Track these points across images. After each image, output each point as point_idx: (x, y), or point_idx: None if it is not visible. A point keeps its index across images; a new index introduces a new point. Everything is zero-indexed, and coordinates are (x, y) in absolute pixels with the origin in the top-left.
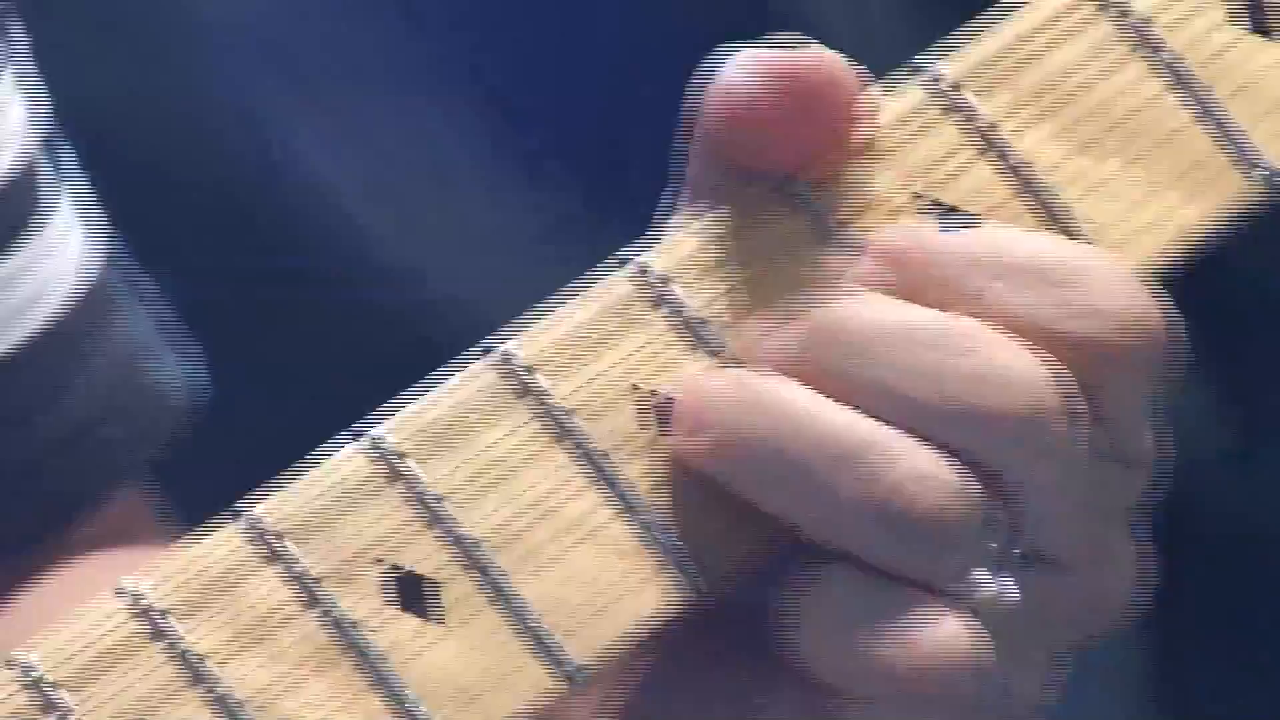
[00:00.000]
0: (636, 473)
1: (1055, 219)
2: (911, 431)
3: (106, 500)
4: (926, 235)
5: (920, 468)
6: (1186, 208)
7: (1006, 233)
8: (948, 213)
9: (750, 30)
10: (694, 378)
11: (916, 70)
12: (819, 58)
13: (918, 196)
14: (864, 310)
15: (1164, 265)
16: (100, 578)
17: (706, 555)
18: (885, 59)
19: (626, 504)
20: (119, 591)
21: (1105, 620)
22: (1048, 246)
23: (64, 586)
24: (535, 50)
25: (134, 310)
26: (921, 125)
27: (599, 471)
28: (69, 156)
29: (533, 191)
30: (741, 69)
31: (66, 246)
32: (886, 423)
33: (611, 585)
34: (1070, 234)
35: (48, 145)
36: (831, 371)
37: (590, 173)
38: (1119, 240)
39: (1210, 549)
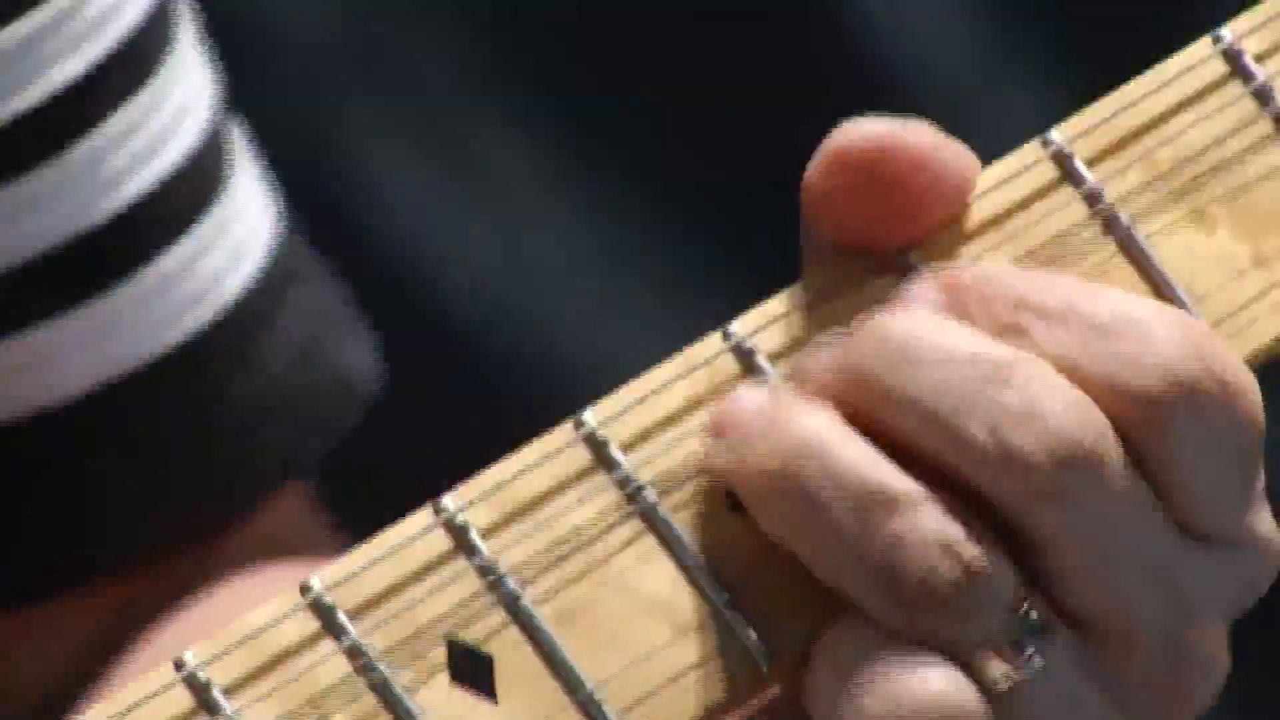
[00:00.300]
0: (713, 552)
1: (1176, 302)
2: (939, 459)
3: (279, 493)
4: (984, 267)
5: (933, 532)
6: None
7: (1071, 280)
8: None
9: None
10: (735, 392)
11: (1047, 144)
12: (887, 133)
13: None
14: (912, 324)
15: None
16: (261, 590)
17: (776, 637)
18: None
19: (701, 584)
20: (177, 665)
21: (1180, 711)
22: (1109, 296)
23: (221, 600)
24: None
25: (315, 286)
26: (1047, 201)
27: (674, 548)
28: (241, 127)
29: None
30: (813, 162)
31: (251, 215)
32: (916, 458)
33: (679, 668)
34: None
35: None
36: (870, 382)
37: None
38: (1239, 325)
39: None
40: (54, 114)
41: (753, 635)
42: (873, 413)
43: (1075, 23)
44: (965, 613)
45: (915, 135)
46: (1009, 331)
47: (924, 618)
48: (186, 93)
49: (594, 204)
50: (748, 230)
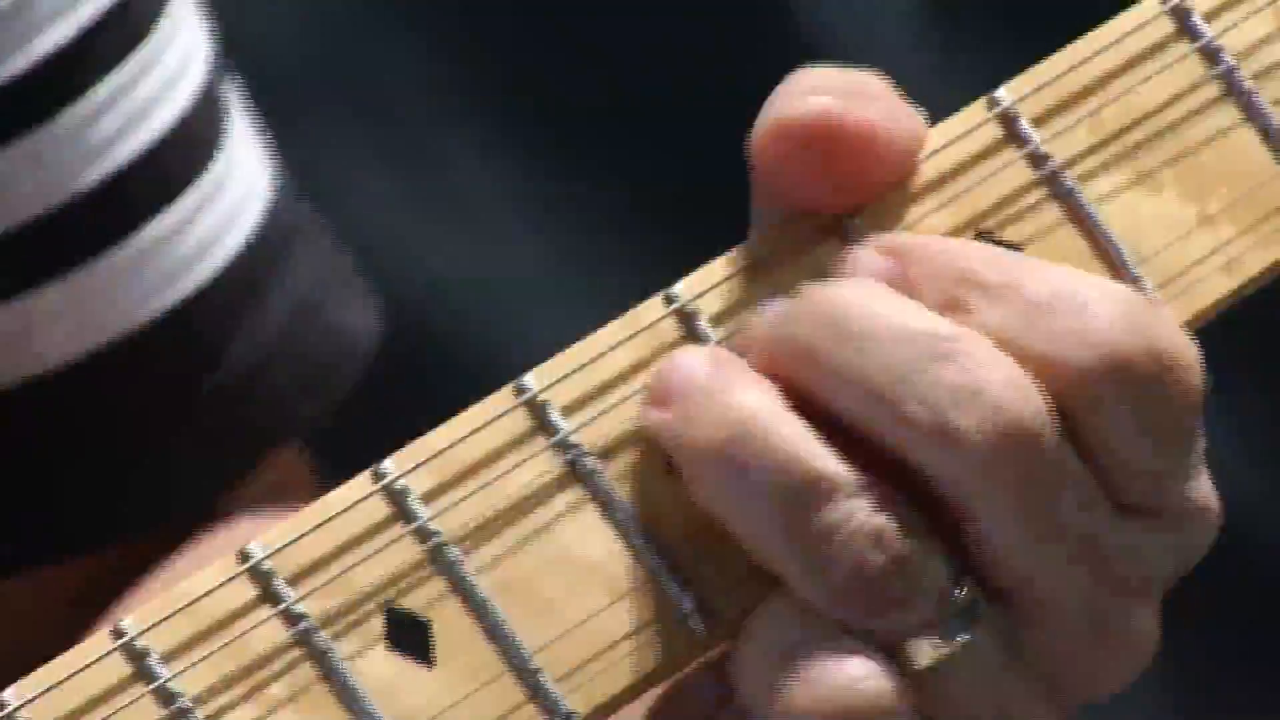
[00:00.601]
0: (651, 517)
1: (1120, 264)
2: (875, 433)
3: (275, 454)
4: (932, 238)
5: (865, 523)
6: (1259, 251)
7: (1016, 256)
8: (990, 243)
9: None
10: (675, 352)
11: (993, 103)
12: (829, 109)
13: (979, 234)
14: (853, 295)
15: (1228, 305)
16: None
17: (713, 600)
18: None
19: (638, 549)
20: (116, 633)
21: (1105, 684)
22: (1051, 273)
23: (215, 552)
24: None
25: (315, 245)
26: (992, 162)
27: (612, 513)
28: (237, 84)
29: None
30: (758, 129)
31: (247, 176)
32: (852, 430)
33: (617, 634)
34: (1133, 280)
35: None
36: (809, 355)
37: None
38: (1185, 284)
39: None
40: (42, 80)
41: (689, 600)
42: (810, 385)
43: (1025, 29)
44: (894, 603)
45: (864, 106)
46: (951, 305)
47: (852, 606)
48: (180, 54)
49: (555, 213)
50: (710, 238)
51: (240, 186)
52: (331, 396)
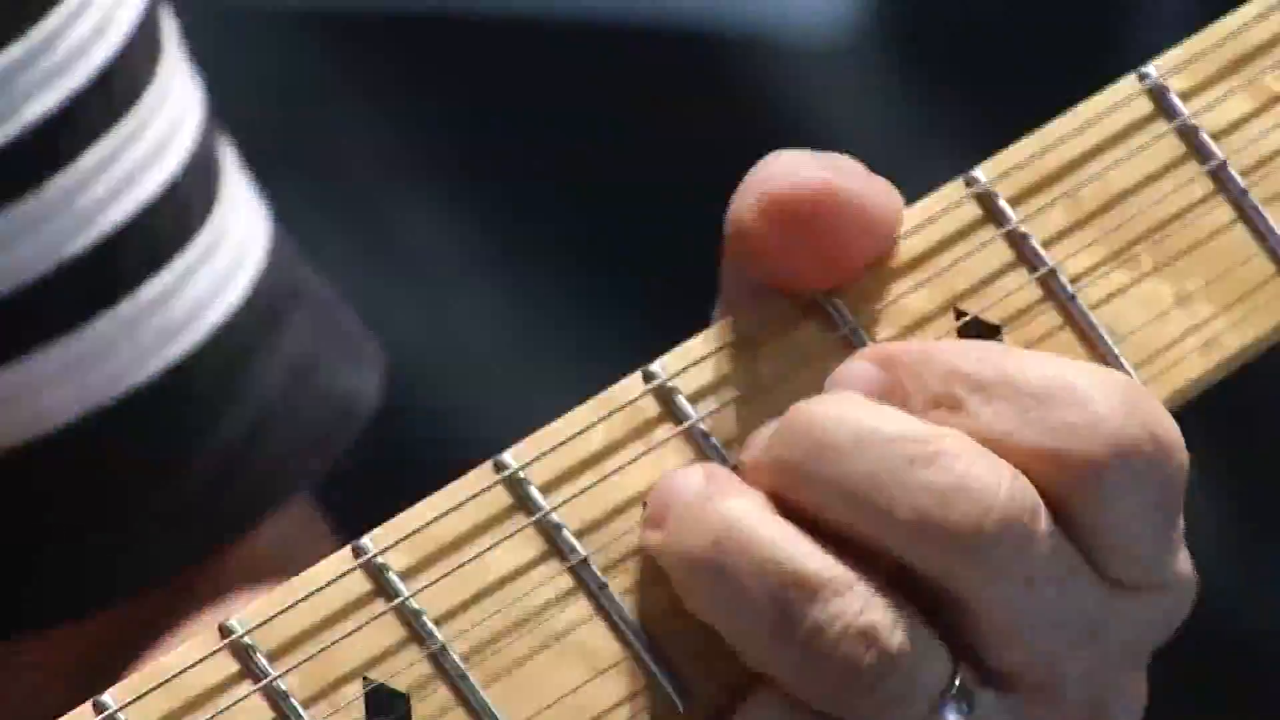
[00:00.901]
0: (629, 589)
1: (1099, 343)
2: (865, 539)
3: (273, 515)
4: (920, 343)
5: (854, 620)
6: (1236, 330)
7: (1003, 348)
8: (970, 324)
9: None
10: (669, 473)
11: (971, 182)
12: (824, 183)
13: (958, 315)
14: (835, 409)
15: (1203, 385)
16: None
17: (693, 679)
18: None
19: (620, 629)
20: (96, 707)
21: None
22: (1038, 363)
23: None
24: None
25: (313, 305)
26: (971, 241)
27: (593, 592)
28: (229, 146)
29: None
30: (744, 203)
31: (240, 238)
32: (846, 538)
33: (596, 711)
34: (1112, 359)
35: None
36: (795, 470)
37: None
38: (1163, 364)
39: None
40: (30, 148)
41: (669, 679)
42: (800, 499)
43: (996, 95)
44: (889, 700)
45: (848, 180)
46: (943, 404)
47: (846, 702)
48: (169, 119)
49: (512, 279)
50: (667, 301)
51: (234, 248)
52: (329, 456)
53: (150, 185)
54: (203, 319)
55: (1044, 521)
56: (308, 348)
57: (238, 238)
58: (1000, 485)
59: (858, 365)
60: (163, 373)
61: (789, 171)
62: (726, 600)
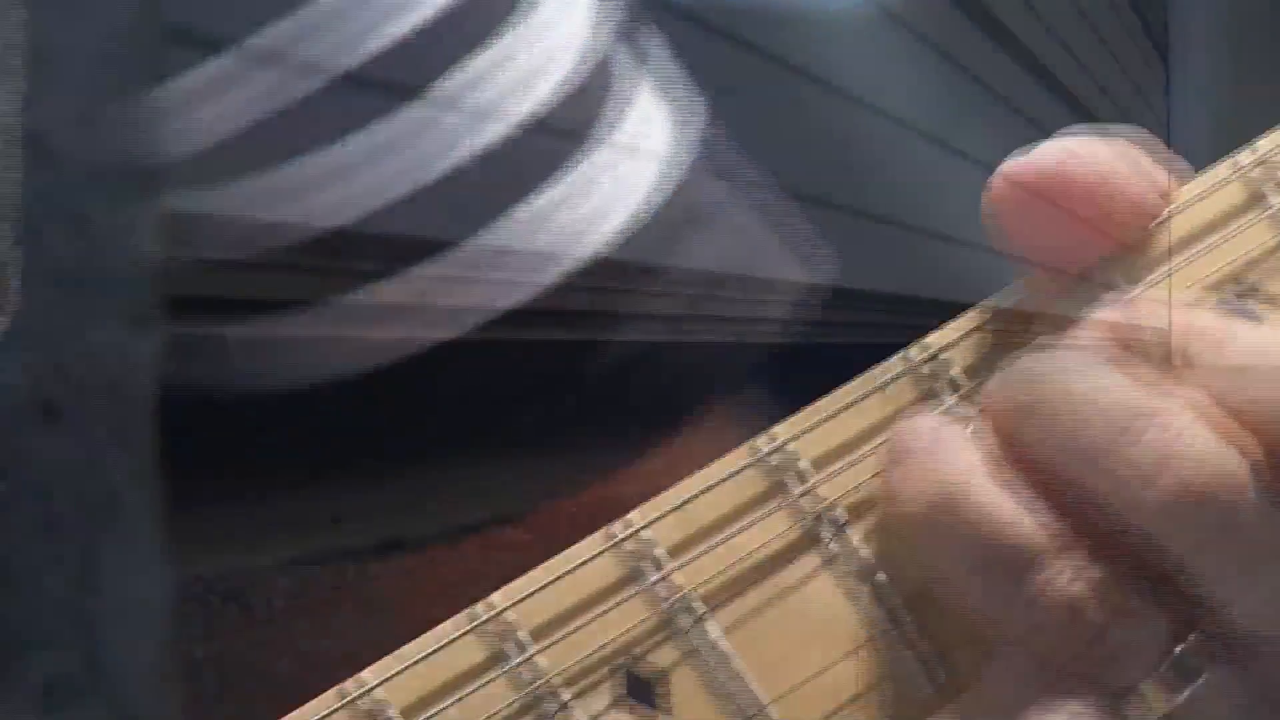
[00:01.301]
0: (887, 575)
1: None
2: (1088, 503)
3: (706, 408)
4: (1153, 304)
5: (1070, 588)
6: None
7: (1245, 324)
8: (1237, 299)
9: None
10: (899, 426)
11: (1256, 152)
12: (1068, 156)
13: (1223, 292)
14: (1055, 368)
15: None
16: None
17: (948, 661)
18: None
19: (873, 607)
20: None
21: None
22: (1243, 330)
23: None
24: None
25: (737, 202)
26: (1248, 217)
27: (848, 570)
28: (652, 36)
29: None
30: (995, 179)
31: (649, 137)
32: (1063, 494)
33: (849, 690)
34: None
35: (625, 29)
36: (1016, 424)
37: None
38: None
39: None
40: (427, 43)
41: (923, 659)
42: (1021, 452)
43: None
44: (1108, 661)
45: (1097, 160)
46: (1167, 368)
47: (1070, 664)
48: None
49: None
50: None
51: (649, 141)
52: (750, 356)
53: (545, 88)
54: (609, 219)
55: (1250, 494)
56: (723, 258)
57: (645, 142)
58: (1206, 461)
59: (1091, 327)
60: (577, 269)
61: (1038, 152)
62: (945, 562)
